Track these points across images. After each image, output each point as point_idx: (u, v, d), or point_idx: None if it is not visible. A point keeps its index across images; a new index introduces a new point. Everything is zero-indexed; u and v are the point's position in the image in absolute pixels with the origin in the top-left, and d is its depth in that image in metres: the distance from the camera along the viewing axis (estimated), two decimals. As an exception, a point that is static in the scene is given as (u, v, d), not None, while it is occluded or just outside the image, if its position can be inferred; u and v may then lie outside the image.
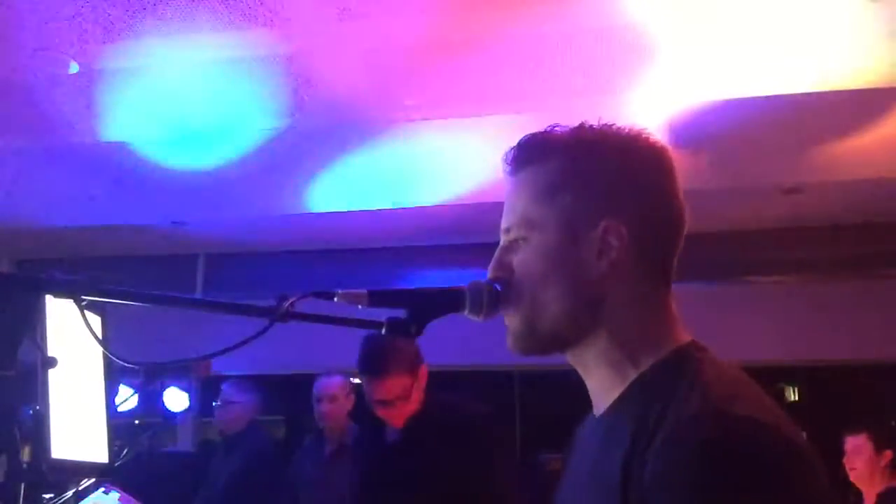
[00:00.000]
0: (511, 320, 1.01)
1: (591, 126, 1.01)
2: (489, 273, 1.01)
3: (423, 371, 2.54)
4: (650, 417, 0.87)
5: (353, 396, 3.94)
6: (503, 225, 1.03)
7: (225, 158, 4.12)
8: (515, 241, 1.00)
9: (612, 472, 0.87)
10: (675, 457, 0.80)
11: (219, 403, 4.17)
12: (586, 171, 0.98)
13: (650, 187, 0.99)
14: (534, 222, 0.98)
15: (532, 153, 1.01)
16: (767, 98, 3.36)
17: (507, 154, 1.03)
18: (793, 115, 3.52)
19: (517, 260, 0.99)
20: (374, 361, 2.48)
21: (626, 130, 1.00)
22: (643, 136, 1.00)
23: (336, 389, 3.89)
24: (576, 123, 1.02)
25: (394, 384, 2.45)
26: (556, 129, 1.02)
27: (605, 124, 1.01)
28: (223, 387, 4.21)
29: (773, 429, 0.82)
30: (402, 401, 2.48)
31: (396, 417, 2.53)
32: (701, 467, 0.78)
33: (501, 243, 1.03)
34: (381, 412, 2.54)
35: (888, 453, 3.49)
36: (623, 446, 0.87)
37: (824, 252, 4.97)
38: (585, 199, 0.97)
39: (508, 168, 1.03)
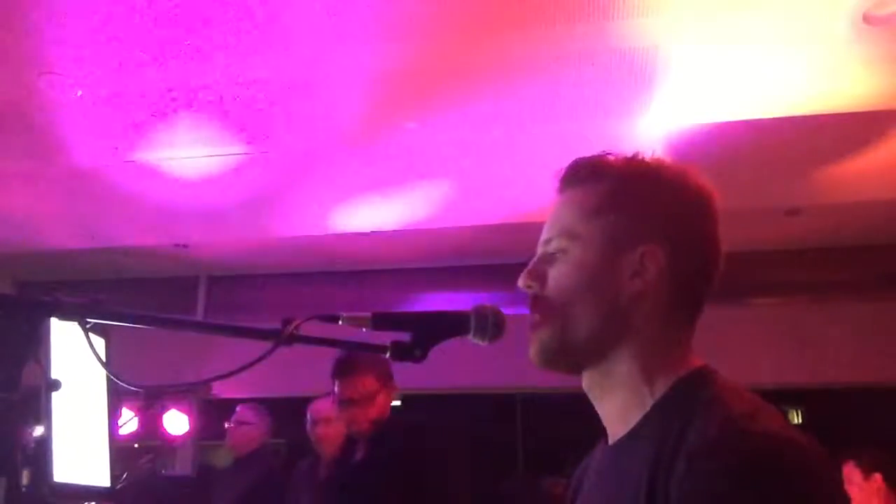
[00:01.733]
0: (538, 331, 1.01)
1: (643, 157, 1.04)
2: (521, 281, 1.03)
3: (394, 387, 2.69)
4: (670, 438, 0.87)
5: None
6: (544, 236, 1.04)
7: (228, 181, 4.13)
8: (553, 253, 1.02)
9: (636, 495, 0.87)
10: (704, 476, 0.81)
11: (232, 424, 4.18)
12: (634, 196, 1.01)
13: (693, 224, 1.01)
14: (576, 235, 1.00)
15: (584, 173, 1.04)
16: (767, 120, 3.38)
17: (559, 172, 1.06)
18: (793, 137, 3.54)
19: (554, 271, 1.01)
20: (345, 362, 2.64)
21: (677, 167, 1.03)
22: (693, 175, 1.03)
23: (331, 412, 3.78)
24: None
25: (361, 382, 2.60)
26: (608, 154, 1.04)
27: (658, 158, 1.04)
28: (237, 408, 4.23)
29: (795, 442, 0.84)
30: (367, 402, 2.60)
31: (361, 420, 2.63)
32: (731, 485, 0.79)
33: (539, 254, 1.04)
34: (346, 414, 2.66)
35: (877, 476, 3.47)
36: (646, 470, 0.88)
37: (825, 274, 4.97)
38: (629, 222, 0.99)
39: (560, 185, 1.06)
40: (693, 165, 1.04)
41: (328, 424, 3.79)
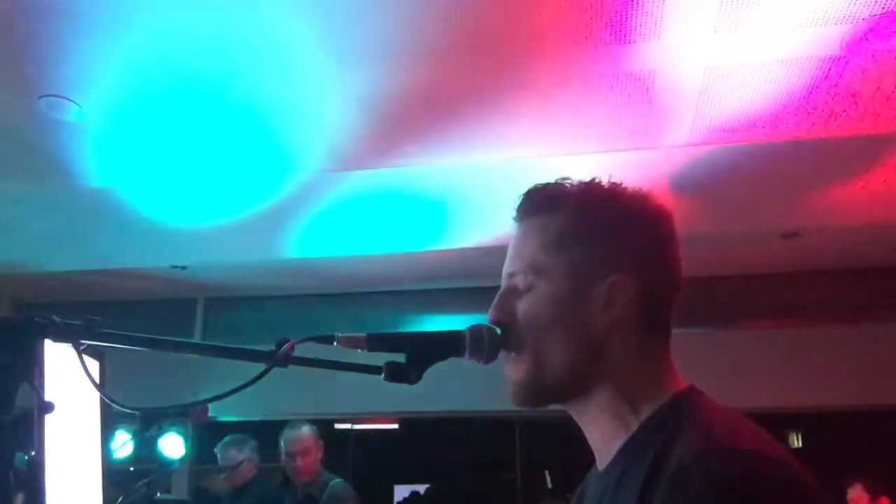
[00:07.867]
0: (513, 369, 1.00)
1: (601, 183, 1.03)
2: (490, 315, 1.01)
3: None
4: (656, 460, 0.87)
5: (322, 443, 4.13)
6: (507, 269, 1.03)
7: (224, 203, 4.13)
8: (519, 287, 1.01)
9: None
10: (685, 494, 0.80)
11: (226, 464, 4.25)
12: (595, 226, 1.00)
13: (656, 249, 1.00)
14: (541, 270, 0.99)
15: (542, 202, 1.02)
16: (765, 144, 3.38)
17: (516, 201, 1.04)
18: (791, 160, 3.54)
19: (522, 306, 1.00)
20: None
21: (635, 191, 1.02)
22: (651, 198, 1.02)
23: (307, 443, 4.04)
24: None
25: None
26: (566, 181, 1.04)
27: (615, 183, 1.03)
28: (226, 450, 4.27)
29: (777, 461, 0.82)
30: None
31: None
32: (711, 502, 0.78)
33: (503, 287, 1.03)
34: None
35: (884, 500, 3.48)
36: (634, 493, 0.87)
37: (823, 297, 4.96)
38: (594, 254, 0.98)
39: (517, 214, 1.04)
40: (649, 189, 1.03)
41: (306, 455, 3.99)
